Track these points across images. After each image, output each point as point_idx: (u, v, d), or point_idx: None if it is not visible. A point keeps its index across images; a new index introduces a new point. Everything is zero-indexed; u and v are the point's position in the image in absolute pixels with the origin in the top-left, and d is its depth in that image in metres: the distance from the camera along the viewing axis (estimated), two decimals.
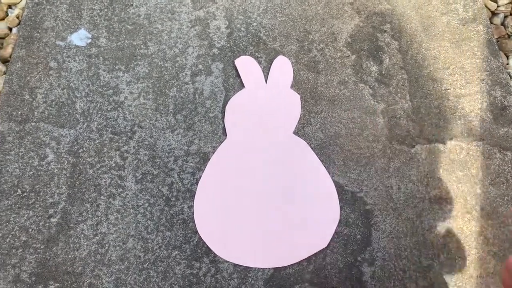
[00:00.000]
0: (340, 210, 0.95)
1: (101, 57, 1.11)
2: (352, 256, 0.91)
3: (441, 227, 0.94)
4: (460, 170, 1.00)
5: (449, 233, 0.94)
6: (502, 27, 1.26)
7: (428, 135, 1.04)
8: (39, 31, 1.14)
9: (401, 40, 1.17)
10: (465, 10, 1.21)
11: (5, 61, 1.14)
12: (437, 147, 1.03)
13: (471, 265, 0.91)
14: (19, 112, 1.03)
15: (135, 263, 0.90)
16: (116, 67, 1.10)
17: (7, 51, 1.14)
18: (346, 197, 0.97)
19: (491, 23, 1.25)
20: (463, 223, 0.95)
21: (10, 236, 0.91)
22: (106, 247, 0.91)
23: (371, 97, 1.08)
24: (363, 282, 0.90)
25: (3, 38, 1.17)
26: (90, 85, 1.07)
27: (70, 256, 0.90)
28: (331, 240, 0.92)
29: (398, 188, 0.98)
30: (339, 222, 0.94)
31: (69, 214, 0.93)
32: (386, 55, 1.14)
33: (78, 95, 1.06)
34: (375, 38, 1.17)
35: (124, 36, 1.14)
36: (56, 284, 0.87)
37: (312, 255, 0.91)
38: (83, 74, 1.09)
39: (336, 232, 0.93)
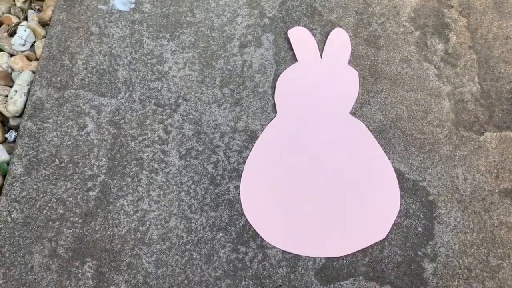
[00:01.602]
0: (400, 200, 0.87)
1: (145, 24, 1.04)
2: (412, 250, 0.84)
3: None
4: None
5: None
6: None
7: (498, 122, 0.94)
8: None
9: (470, 17, 1.06)
10: None
11: (44, 25, 1.09)
12: (508, 135, 0.93)
13: None
14: (59, 78, 0.97)
15: (177, 243, 0.84)
16: (161, 35, 1.03)
17: (47, 13, 1.08)
18: (407, 186, 0.88)
19: None
20: None
21: (47, 208, 0.86)
22: (147, 225, 0.85)
23: (436, 77, 0.98)
24: (423, 279, 0.82)
25: (42, 0, 1.11)
26: (133, 52, 1.01)
27: (108, 233, 0.85)
28: (390, 231, 0.85)
29: (464, 178, 0.89)
30: (399, 212, 0.86)
31: (108, 188, 0.88)
32: (453, 32, 1.04)
33: (120, 63, 0.99)
34: (441, 13, 1.06)
35: (169, 2, 1.07)
36: (94, 262, 0.82)
37: (368, 246, 0.83)
38: (125, 41, 1.02)
39: (395, 223, 0.85)
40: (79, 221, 0.85)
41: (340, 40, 1.01)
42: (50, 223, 0.85)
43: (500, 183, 0.88)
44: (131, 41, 1.02)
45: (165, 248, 0.84)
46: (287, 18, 1.05)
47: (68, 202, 0.87)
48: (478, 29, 1.04)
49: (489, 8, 1.06)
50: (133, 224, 0.85)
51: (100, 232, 0.85)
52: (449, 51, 1.01)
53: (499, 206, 0.87)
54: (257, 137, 0.92)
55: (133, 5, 1.06)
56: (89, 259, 0.83)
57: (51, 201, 0.86)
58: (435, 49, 1.01)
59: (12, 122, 0.98)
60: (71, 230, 0.85)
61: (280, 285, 0.81)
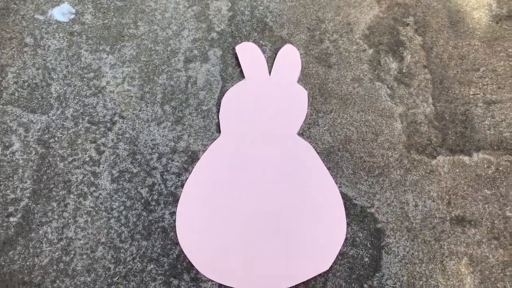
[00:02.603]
0: (347, 227, 0.81)
1: (84, 36, 0.97)
2: (358, 282, 0.78)
3: (463, 254, 0.81)
4: (487, 188, 0.86)
5: (473, 261, 0.80)
6: None
7: (452, 145, 0.90)
8: (17, 2, 1.00)
9: (426, 35, 1.02)
10: (499, 6, 1.07)
11: None
12: (461, 159, 0.89)
13: None
14: None
15: (104, 275, 0.76)
16: (100, 48, 0.96)
17: None
18: (355, 212, 0.83)
19: None
20: (489, 250, 0.81)
21: None
22: (72, 255, 0.78)
23: (389, 98, 0.94)
24: None
25: None
26: (69, 66, 0.94)
27: (28, 263, 0.77)
28: (334, 262, 0.79)
29: (415, 205, 0.84)
30: (345, 241, 0.80)
31: (31, 213, 0.80)
32: (407, 51, 1.00)
33: (54, 77, 0.92)
34: (396, 31, 1.02)
35: (112, 13, 1.00)
36: None
37: (311, 278, 0.77)
38: (62, 54, 0.95)
39: (340, 253, 0.80)
40: None
41: (290, 57, 0.96)
42: None
43: (451, 210, 0.84)
44: (68, 53, 0.95)
45: (89, 281, 0.76)
46: (236, 33, 1.00)
47: None
48: (433, 48, 1.01)
49: (444, 27, 1.03)
50: (56, 254, 0.78)
51: (18, 262, 0.77)
52: (403, 70, 0.97)
53: (450, 234, 0.82)
54: (199, 159, 0.86)
55: (72, 16, 1.00)
56: None
57: None
58: (389, 68, 0.97)
59: None
60: None
61: None
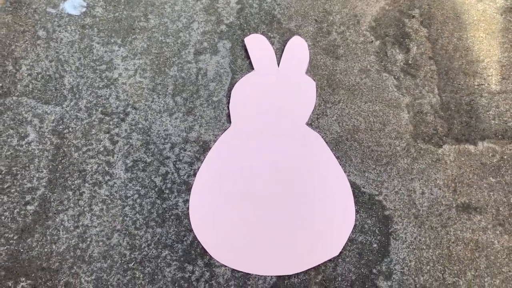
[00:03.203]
0: (356, 215, 0.84)
1: (95, 28, 0.99)
2: (367, 267, 0.80)
3: (469, 240, 0.83)
4: (492, 176, 0.88)
5: (478, 247, 0.82)
6: None
7: (457, 134, 0.92)
8: None
9: (431, 27, 1.04)
10: None
11: None
12: (467, 148, 0.91)
13: (502, 286, 0.80)
14: (0, 85, 0.91)
15: (120, 261, 0.79)
16: (112, 40, 0.98)
17: None
18: (363, 200, 0.85)
19: None
20: (494, 236, 0.83)
21: None
22: (88, 242, 0.80)
23: (396, 88, 0.96)
24: None
25: None
26: (82, 58, 0.96)
27: (46, 250, 0.79)
28: (344, 248, 0.81)
29: (422, 192, 0.86)
30: (354, 228, 0.83)
31: (48, 202, 0.82)
32: (413, 43, 1.02)
33: (67, 69, 0.94)
34: (402, 23, 1.04)
35: (122, 7, 1.02)
36: (28, 281, 0.77)
37: (321, 264, 0.80)
38: (74, 46, 0.97)
39: (349, 239, 0.82)
40: (15, 238, 0.80)
41: (298, 49, 0.98)
42: None
43: (457, 198, 0.86)
44: (80, 46, 0.97)
45: (106, 267, 0.78)
46: (245, 25, 1.02)
47: (3, 217, 0.81)
48: (438, 39, 1.02)
49: (449, 19, 1.05)
50: (72, 241, 0.80)
51: (37, 249, 0.79)
52: (409, 62, 0.99)
53: (456, 221, 0.84)
54: (210, 148, 0.88)
55: (84, 9, 1.02)
56: (24, 279, 0.77)
57: None
58: (395, 59, 0.99)
59: None
60: (5, 247, 0.79)
61: None
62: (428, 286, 0.79)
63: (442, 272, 0.80)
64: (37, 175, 0.84)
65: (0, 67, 0.93)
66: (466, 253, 0.82)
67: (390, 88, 0.96)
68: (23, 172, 0.84)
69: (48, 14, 1.00)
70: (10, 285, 0.76)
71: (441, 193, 0.86)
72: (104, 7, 1.02)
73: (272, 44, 0.99)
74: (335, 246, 0.80)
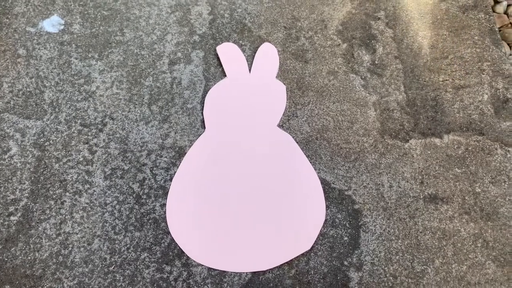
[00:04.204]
0: (326, 210, 0.87)
1: (73, 44, 1.03)
2: (338, 260, 0.83)
3: (436, 229, 0.86)
4: (458, 167, 0.92)
5: (445, 235, 0.86)
6: (505, 16, 1.18)
7: (423, 129, 0.96)
8: (9, 16, 1.06)
9: (396, 28, 1.08)
10: None
11: None
12: (433, 142, 0.94)
13: (469, 271, 0.83)
14: None
15: (100, 265, 0.82)
16: (89, 55, 1.02)
17: None
18: (333, 195, 0.89)
19: (494, 11, 1.17)
20: (461, 224, 0.87)
21: None
22: (70, 248, 0.83)
23: (363, 88, 1.00)
24: None
25: None
26: (61, 74, 1.00)
27: (29, 258, 0.82)
28: (316, 242, 0.84)
29: (389, 186, 0.90)
30: (325, 222, 0.86)
31: (31, 211, 0.86)
32: (379, 43, 1.06)
33: (47, 85, 0.98)
34: (368, 26, 1.09)
35: (99, 23, 1.06)
36: None
37: (294, 258, 0.83)
38: (53, 62, 1.01)
39: (321, 234, 0.85)
40: None
41: (268, 55, 1.02)
42: None
43: (424, 189, 0.89)
44: (59, 62, 1.01)
45: (87, 271, 0.81)
46: (217, 35, 1.06)
47: None
48: (404, 39, 1.07)
49: (414, 19, 1.09)
50: (55, 248, 0.83)
51: (20, 257, 0.82)
52: (376, 62, 1.03)
53: (423, 212, 0.87)
54: (185, 153, 0.92)
55: (62, 27, 1.06)
56: (8, 286, 0.80)
57: None
58: (362, 60, 1.03)
59: None
60: None
61: None
62: (398, 275, 0.82)
63: (411, 261, 0.83)
64: (19, 187, 0.88)
65: None
66: (434, 241, 0.85)
67: (357, 88, 1.00)
68: (6, 184, 0.88)
69: (28, 33, 1.04)
70: None
71: (409, 185, 0.90)
72: (81, 23, 1.06)
73: (244, 51, 1.04)
74: (307, 240, 0.84)
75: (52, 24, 1.06)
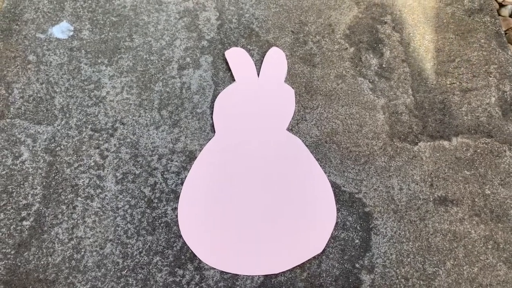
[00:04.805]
0: (337, 213, 0.87)
1: (83, 50, 1.04)
2: (350, 262, 0.84)
3: (447, 231, 0.86)
4: (467, 169, 0.92)
5: (456, 237, 0.86)
6: (511, 19, 1.19)
7: (432, 131, 0.96)
8: (19, 23, 1.07)
9: (403, 32, 1.09)
10: (471, 0, 1.14)
11: None
12: (442, 144, 0.95)
13: (480, 273, 0.83)
14: None
15: (113, 269, 0.82)
16: (99, 61, 1.03)
17: None
18: (344, 198, 0.89)
19: (499, 14, 1.18)
20: (471, 226, 0.87)
21: None
22: (82, 253, 0.84)
23: (371, 91, 1.01)
24: None
25: None
26: (71, 79, 1.01)
27: (42, 262, 0.83)
28: (327, 245, 0.85)
29: (399, 188, 0.90)
30: (336, 225, 0.86)
31: (43, 216, 0.86)
32: (386, 47, 1.07)
33: (57, 90, 0.99)
34: (375, 30, 1.09)
35: (108, 28, 1.07)
36: None
37: (306, 261, 0.83)
38: (63, 68, 1.02)
39: (332, 237, 0.86)
40: (12, 252, 0.83)
41: (276, 59, 1.03)
42: None
43: (434, 191, 0.90)
44: (68, 68, 1.02)
45: (100, 275, 0.82)
46: (225, 40, 1.07)
47: (0, 234, 0.85)
48: (410, 43, 1.07)
49: (420, 23, 1.10)
50: (67, 252, 0.84)
51: (33, 262, 0.83)
52: (383, 65, 1.04)
53: (434, 214, 0.88)
54: (196, 158, 0.92)
55: (71, 33, 1.07)
56: None
57: None
58: (369, 64, 1.04)
59: None
60: (3, 262, 0.82)
61: None
62: (409, 277, 0.82)
63: (422, 263, 0.84)
64: (31, 192, 0.88)
65: None
66: (445, 243, 0.85)
67: (366, 91, 1.00)
68: (18, 189, 0.88)
69: (38, 39, 1.05)
70: None
71: (418, 188, 0.90)
72: (91, 29, 1.07)
73: (252, 56, 1.04)
74: (319, 243, 0.84)
75: (61, 30, 1.07)
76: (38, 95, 0.98)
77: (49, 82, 1.00)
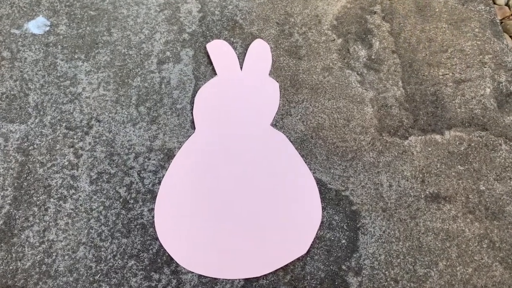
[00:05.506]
0: (323, 211, 0.83)
1: (59, 46, 1.00)
2: (336, 264, 0.79)
3: (439, 230, 0.81)
4: (460, 164, 0.87)
5: (449, 236, 0.81)
6: (507, 7, 1.14)
7: (423, 125, 0.91)
8: None
9: (393, 21, 1.04)
10: None
11: None
12: (434, 138, 0.90)
13: (475, 274, 0.78)
14: None
15: (86, 274, 0.78)
16: (75, 56, 0.99)
17: None
18: (330, 196, 0.84)
19: (494, 3, 1.13)
20: (465, 224, 0.82)
21: None
22: (53, 257, 0.79)
23: (359, 84, 0.96)
24: None
25: None
26: (46, 76, 0.96)
27: (11, 267, 0.78)
28: (312, 246, 0.80)
29: (389, 185, 0.85)
30: (321, 225, 0.82)
31: (13, 219, 0.82)
32: (376, 38, 1.02)
33: (31, 87, 0.95)
34: (364, 20, 1.05)
35: (86, 23, 1.03)
36: None
37: (290, 263, 0.79)
38: (38, 64, 0.98)
39: (317, 237, 0.81)
40: None
41: (260, 51, 0.98)
42: None
43: (426, 188, 0.85)
44: (44, 64, 0.98)
45: (72, 281, 0.77)
46: (208, 32, 1.02)
47: None
48: (401, 33, 1.03)
49: (411, 12, 1.05)
50: (38, 257, 0.79)
51: (1, 267, 0.78)
52: (372, 57, 0.99)
53: (425, 211, 0.83)
54: (174, 156, 0.88)
55: (47, 28, 1.03)
56: None
57: None
58: (358, 56, 0.99)
59: None
60: None
61: None
62: (399, 279, 0.78)
63: (413, 264, 0.79)
64: (1, 194, 0.84)
65: None
66: (437, 243, 0.81)
67: (354, 84, 0.96)
68: None
69: (12, 35, 1.01)
70: None
71: (409, 184, 0.86)
72: (68, 24, 1.03)
73: (235, 49, 1.00)
74: (303, 244, 0.80)
75: (37, 25, 1.03)
76: (12, 92, 0.94)
77: (23, 79, 0.96)
